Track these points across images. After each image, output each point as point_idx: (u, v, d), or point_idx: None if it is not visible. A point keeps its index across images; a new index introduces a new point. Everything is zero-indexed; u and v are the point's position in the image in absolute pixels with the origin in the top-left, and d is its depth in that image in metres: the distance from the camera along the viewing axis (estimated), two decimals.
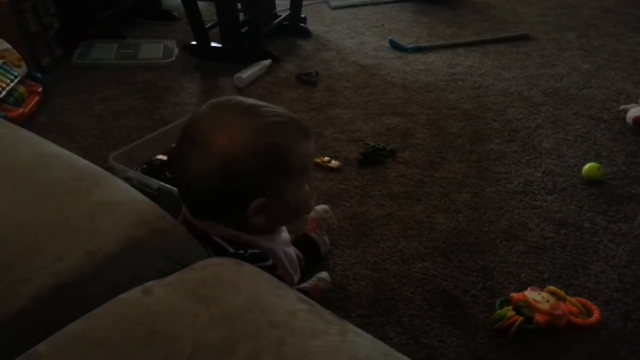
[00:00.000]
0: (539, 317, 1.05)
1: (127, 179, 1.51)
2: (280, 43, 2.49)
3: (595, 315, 1.07)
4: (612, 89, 1.91)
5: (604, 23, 2.47)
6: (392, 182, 1.52)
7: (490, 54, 2.25)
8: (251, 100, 0.81)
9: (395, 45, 2.42)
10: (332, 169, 1.61)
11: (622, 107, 1.75)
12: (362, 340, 0.51)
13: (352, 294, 1.17)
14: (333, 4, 2.95)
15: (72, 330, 0.50)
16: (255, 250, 0.80)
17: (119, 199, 0.69)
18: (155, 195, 1.45)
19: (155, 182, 1.44)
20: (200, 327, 0.48)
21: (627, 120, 1.68)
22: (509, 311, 1.07)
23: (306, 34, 2.61)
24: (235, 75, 2.16)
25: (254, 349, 0.47)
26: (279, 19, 2.45)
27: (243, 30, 2.31)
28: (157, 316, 0.50)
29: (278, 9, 2.57)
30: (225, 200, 0.76)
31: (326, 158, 1.64)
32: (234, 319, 0.49)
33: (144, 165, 1.58)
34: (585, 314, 1.08)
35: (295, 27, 2.61)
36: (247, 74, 2.18)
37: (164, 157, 1.61)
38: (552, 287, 1.12)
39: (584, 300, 1.11)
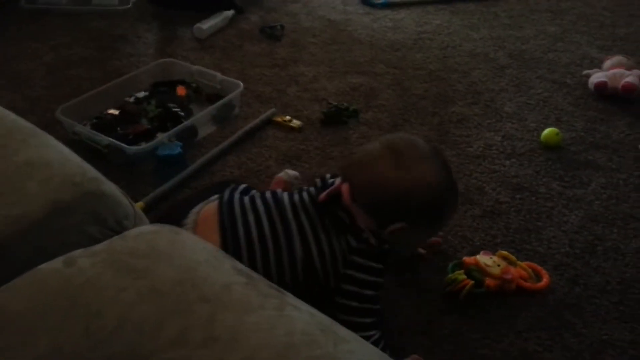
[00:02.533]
0: (489, 281, 1.06)
1: (75, 134, 1.44)
2: None
3: (545, 279, 1.09)
4: (577, 53, 1.90)
5: None
6: (353, 144, 1.50)
7: (460, 12, 2.21)
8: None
9: (364, 0, 2.34)
10: (292, 128, 1.57)
11: (585, 72, 1.75)
12: (300, 315, 0.49)
13: None
14: None
15: None
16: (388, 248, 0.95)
17: (48, 158, 0.64)
18: (104, 152, 1.39)
19: (105, 138, 1.38)
20: (126, 302, 0.46)
21: (589, 85, 1.68)
22: (460, 275, 1.08)
23: None
24: (196, 26, 2.06)
25: (182, 326, 0.44)
26: None
27: None
28: (79, 289, 0.46)
29: None
30: (390, 207, 0.92)
31: (287, 117, 1.60)
32: (162, 294, 0.47)
33: (94, 120, 1.51)
34: (535, 278, 1.10)
35: None
36: (208, 24, 2.08)
37: (116, 112, 1.54)
38: (503, 252, 1.13)
39: (534, 264, 1.13)
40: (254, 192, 1.05)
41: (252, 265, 0.89)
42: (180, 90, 1.63)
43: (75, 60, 1.84)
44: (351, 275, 0.93)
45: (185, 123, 1.46)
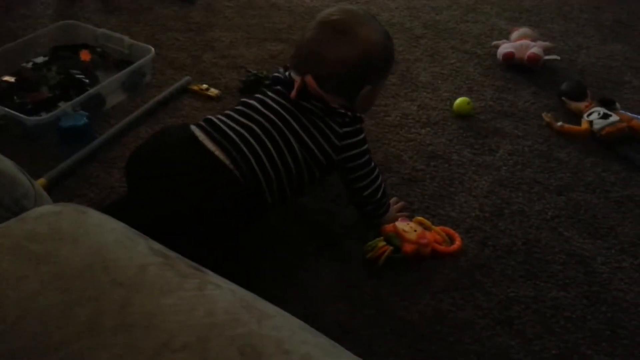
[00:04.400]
0: (406, 247, 1.10)
1: None
2: None
3: (457, 243, 1.15)
4: (487, 24, 1.98)
5: None
6: None
7: None
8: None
9: None
10: (210, 97, 1.51)
11: (494, 42, 1.82)
12: (222, 293, 0.48)
13: None
14: None
15: None
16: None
17: None
18: (1, 124, 1.26)
19: (1, 109, 1.26)
20: (27, 291, 0.42)
21: (498, 56, 1.76)
22: (380, 242, 1.11)
23: None
24: None
25: (93, 313, 0.41)
26: None
27: None
28: None
29: None
30: (353, 78, 1.04)
31: (204, 85, 1.54)
32: (69, 279, 0.43)
33: None
34: (449, 242, 1.16)
35: None
36: None
37: (12, 79, 1.40)
38: (420, 218, 1.17)
39: (447, 229, 1.18)
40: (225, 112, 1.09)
41: (260, 163, 0.98)
42: (84, 55, 1.51)
43: None
44: (350, 156, 1.07)
45: (91, 91, 1.36)
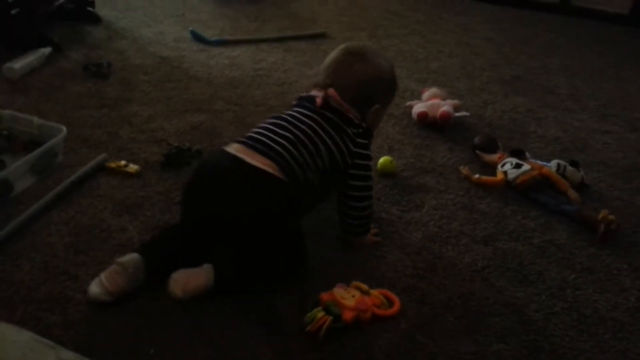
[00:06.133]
0: (346, 314, 1.07)
1: None
2: (64, 29, 2.20)
3: (396, 304, 1.13)
4: (400, 86, 2.06)
5: (390, 24, 2.69)
6: None
7: (292, 50, 2.29)
8: None
9: (197, 37, 2.30)
10: (129, 174, 1.45)
11: (408, 103, 1.91)
12: None
13: (156, 315, 1.05)
14: None
15: None
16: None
17: None
18: None
19: None
20: None
21: (413, 115, 1.84)
22: (319, 312, 1.07)
23: (95, 19, 2.34)
24: (5, 66, 1.84)
25: None
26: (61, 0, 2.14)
27: (13, 11, 1.97)
28: None
29: None
30: (367, 95, 1.24)
31: (122, 162, 1.48)
32: None
33: None
34: (387, 304, 1.14)
35: (81, 11, 2.33)
36: (20, 64, 1.87)
37: None
38: (357, 282, 1.15)
39: (384, 290, 1.16)
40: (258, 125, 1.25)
41: (296, 161, 1.16)
42: None
43: None
44: (357, 164, 1.23)
45: None
